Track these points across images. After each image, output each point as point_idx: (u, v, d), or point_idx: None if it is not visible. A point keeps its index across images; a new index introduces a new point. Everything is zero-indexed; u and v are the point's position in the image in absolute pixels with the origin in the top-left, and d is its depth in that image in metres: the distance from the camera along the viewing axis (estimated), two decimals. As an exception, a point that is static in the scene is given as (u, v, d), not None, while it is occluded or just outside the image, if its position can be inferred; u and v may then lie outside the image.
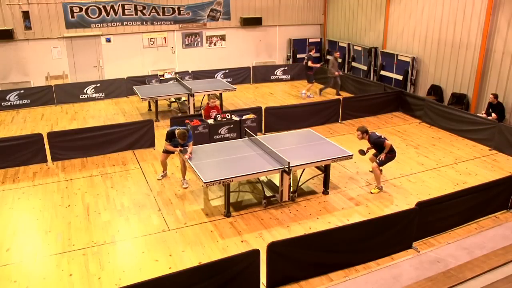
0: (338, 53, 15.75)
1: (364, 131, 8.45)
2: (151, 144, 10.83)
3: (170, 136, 8.50)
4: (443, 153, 10.46)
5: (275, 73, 17.84)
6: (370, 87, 14.63)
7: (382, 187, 8.65)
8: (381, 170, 8.71)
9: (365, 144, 8.86)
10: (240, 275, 5.45)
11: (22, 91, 14.27)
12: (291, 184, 7.95)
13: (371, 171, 8.98)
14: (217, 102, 11.61)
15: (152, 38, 16.98)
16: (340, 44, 18.64)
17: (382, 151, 8.43)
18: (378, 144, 8.45)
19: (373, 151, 8.84)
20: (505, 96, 11.80)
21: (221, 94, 13.66)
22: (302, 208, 7.97)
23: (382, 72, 16.10)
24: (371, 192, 8.55)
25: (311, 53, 15.39)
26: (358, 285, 5.83)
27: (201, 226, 7.38)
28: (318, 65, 15.47)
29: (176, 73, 15.64)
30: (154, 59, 17.18)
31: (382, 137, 8.46)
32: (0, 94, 14.13)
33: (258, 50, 19.02)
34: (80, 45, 15.94)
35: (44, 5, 15.09)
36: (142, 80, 15.00)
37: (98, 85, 15.24)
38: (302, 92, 15.40)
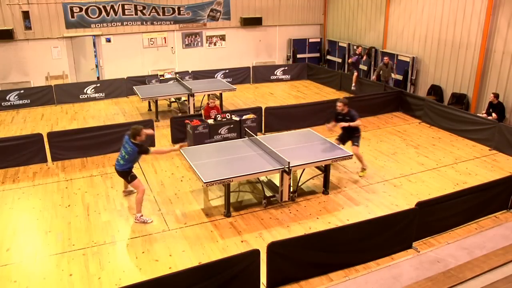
0: (387, 58, 14.58)
1: (346, 103, 8.98)
2: (151, 144, 10.81)
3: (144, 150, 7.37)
4: (443, 153, 10.46)
5: (275, 73, 17.84)
6: (370, 87, 14.63)
7: (366, 166, 9.32)
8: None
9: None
10: (240, 275, 5.45)
11: (22, 91, 14.27)
12: (291, 184, 7.95)
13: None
14: (217, 102, 11.63)
15: (152, 38, 16.98)
16: (340, 44, 18.64)
17: (351, 131, 8.98)
18: (353, 118, 8.88)
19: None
20: (505, 96, 11.80)
21: (221, 94, 13.66)
22: (302, 208, 7.97)
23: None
24: (360, 176, 9.13)
25: (362, 57, 15.65)
26: (358, 285, 5.83)
27: (201, 226, 7.38)
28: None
29: (176, 73, 15.64)
30: (154, 59, 17.18)
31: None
32: (0, 94, 14.13)
33: (258, 50, 19.03)
34: (80, 45, 15.93)
35: (44, 5, 15.10)
36: (142, 80, 15.00)
37: (98, 85, 15.24)
38: (352, 86, 15.39)
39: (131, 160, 7.43)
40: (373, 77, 14.85)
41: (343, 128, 9.00)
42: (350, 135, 9.12)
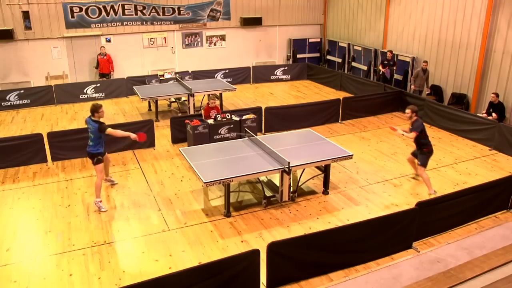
0: (425, 63, 13.51)
1: (415, 111, 8.21)
2: (151, 144, 10.84)
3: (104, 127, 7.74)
4: (443, 153, 10.46)
5: (275, 73, 17.83)
6: (370, 87, 14.62)
7: (435, 191, 8.23)
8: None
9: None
10: (240, 275, 5.45)
11: (22, 91, 14.27)
12: (291, 184, 7.95)
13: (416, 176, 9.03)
14: (217, 102, 11.62)
15: (152, 38, 16.98)
16: (340, 44, 18.64)
17: (418, 145, 8.27)
18: (412, 129, 8.15)
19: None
20: (505, 96, 11.80)
21: (221, 94, 13.66)
22: (302, 208, 7.97)
23: (382, 72, 16.09)
24: (429, 195, 8.15)
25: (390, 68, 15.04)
26: (358, 285, 5.83)
27: (201, 226, 7.38)
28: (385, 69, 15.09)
29: (176, 73, 15.64)
30: (154, 59, 17.18)
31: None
32: (0, 94, 14.12)
33: (258, 50, 19.03)
34: (80, 45, 15.93)
35: (44, 5, 15.09)
36: (142, 80, 15.00)
37: (98, 85, 15.24)
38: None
39: (97, 140, 7.74)
40: (412, 86, 13.93)
41: (414, 141, 8.31)
42: (418, 149, 8.41)
